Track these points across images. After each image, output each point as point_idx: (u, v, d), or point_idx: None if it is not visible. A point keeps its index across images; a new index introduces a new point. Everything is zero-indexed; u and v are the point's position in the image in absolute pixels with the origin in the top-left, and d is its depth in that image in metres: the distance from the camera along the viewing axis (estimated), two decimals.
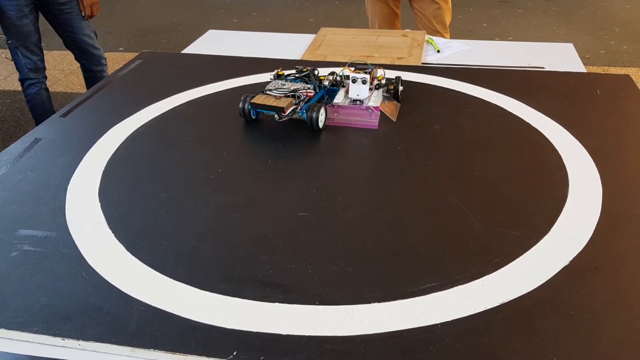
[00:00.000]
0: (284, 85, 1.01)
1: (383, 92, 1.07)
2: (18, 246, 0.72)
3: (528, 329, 0.58)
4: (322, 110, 0.98)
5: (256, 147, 0.95)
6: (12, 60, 2.15)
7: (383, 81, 1.06)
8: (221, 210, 0.78)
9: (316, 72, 1.07)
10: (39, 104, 2.25)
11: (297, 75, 1.05)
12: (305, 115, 0.98)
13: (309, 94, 1.00)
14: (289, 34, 1.57)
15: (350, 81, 1.02)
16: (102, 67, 2.34)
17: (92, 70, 2.33)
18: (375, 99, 1.03)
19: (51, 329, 0.59)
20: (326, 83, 1.05)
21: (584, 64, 1.32)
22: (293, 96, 0.99)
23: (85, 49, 2.26)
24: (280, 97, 0.99)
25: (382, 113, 1.01)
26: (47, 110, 2.27)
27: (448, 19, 2.07)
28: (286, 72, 1.07)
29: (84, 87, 2.69)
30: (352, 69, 1.04)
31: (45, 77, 2.26)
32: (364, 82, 1.00)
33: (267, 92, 1.00)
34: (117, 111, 1.08)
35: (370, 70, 1.03)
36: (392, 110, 1.03)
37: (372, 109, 1.00)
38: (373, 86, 1.04)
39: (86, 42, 2.24)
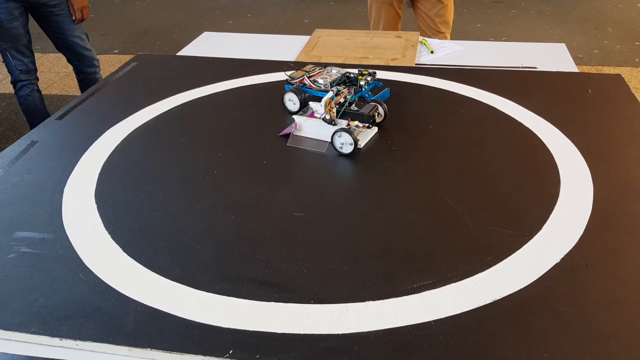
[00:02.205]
0: (329, 74, 1.05)
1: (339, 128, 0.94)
2: (15, 248, 0.73)
3: (520, 326, 0.59)
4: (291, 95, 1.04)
5: (251, 148, 0.96)
6: (2, 63, 2.16)
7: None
8: (217, 210, 0.79)
9: (357, 83, 1.03)
10: (31, 106, 2.25)
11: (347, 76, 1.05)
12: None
13: (300, 82, 1.05)
14: (284, 36, 1.58)
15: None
16: (95, 69, 2.34)
17: (85, 72, 2.33)
18: (312, 124, 0.96)
19: (49, 329, 0.60)
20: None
21: (578, 63, 1.33)
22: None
23: (77, 51, 2.26)
24: (297, 72, 1.07)
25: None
26: (40, 112, 2.27)
27: (451, 18, 2.08)
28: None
29: (79, 90, 2.69)
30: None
31: (37, 79, 2.26)
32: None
33: (314, 69, 1.07)
34: (112, 113, 1.08)
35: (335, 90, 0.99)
36: (307, 143, 0.96)
37: (293, 125, 0.98)
38: (329, 109, 0.94)
39: (77, 44, 2.24)
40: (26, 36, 2.14)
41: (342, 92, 0.97)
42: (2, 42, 2.08)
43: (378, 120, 1.00)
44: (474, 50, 1.43)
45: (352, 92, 1.00)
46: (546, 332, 0.58)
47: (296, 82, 1.05)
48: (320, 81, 1.02)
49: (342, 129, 0.92)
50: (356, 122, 0.95)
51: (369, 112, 0.95)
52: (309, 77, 1.04)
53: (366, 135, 0.97)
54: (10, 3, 2.03)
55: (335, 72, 1.05)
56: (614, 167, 0.86)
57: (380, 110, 1.00)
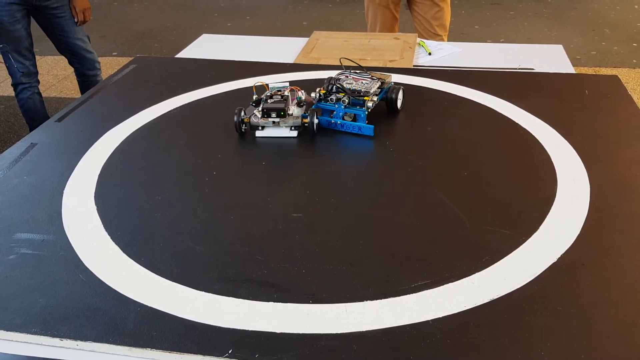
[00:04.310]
0: (352, 81, 1.05)
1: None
2: (15, 249, 0.73)
3: (517, 325, 0.59)
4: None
5: (250, 149, 0.96)
6: (5, 65, 2.16)
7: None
8: (215, 211, 0.80)
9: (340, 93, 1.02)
10: (31, 109, 2.26)
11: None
12: None
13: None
14: (283, 38, 1.59)
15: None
16: (96, 72, 2.34)
17: (86, 75, 2.33)
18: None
19: (49, 329, 0.60)
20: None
21: (575, 65, 1.34)
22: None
23: (79, 53, 2.27)
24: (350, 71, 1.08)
25: None
26: (40, 114, 2.28)
27: (448, 21, 2.08)
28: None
29: (77, 92, 2.69)
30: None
31: (38, 82, 2.26)
32: None
33: (359, 74, 1.07)
34: (112, 115, 1.09)
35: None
36: None
37: None
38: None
39: (79, 46, 2.25)
40: (28, 39, 2.14)
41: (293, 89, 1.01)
42: (4, 45, 2.08)
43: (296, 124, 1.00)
44: (472, 51, 1.43)
45: (302, 94, 1.01)
46: (543, 331, 0.59)
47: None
48: (344, 83, 1.04)
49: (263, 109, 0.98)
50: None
51: (267, 105, 0.97)
52: (341, 76, 1.05)
53: (271, 130, 1.00)
54: (12, 5, 2.03)
55: (355, 82, 1.04)
56: (611, 168, 0.87)
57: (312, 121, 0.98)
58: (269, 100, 0.99)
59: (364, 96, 1.00)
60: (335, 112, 1.01)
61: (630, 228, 0.74)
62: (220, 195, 0.83)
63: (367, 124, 0.98)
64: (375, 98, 1.01)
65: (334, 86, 1.03)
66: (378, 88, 1.03)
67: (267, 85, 1.02)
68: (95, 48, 2.35)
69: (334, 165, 0.91)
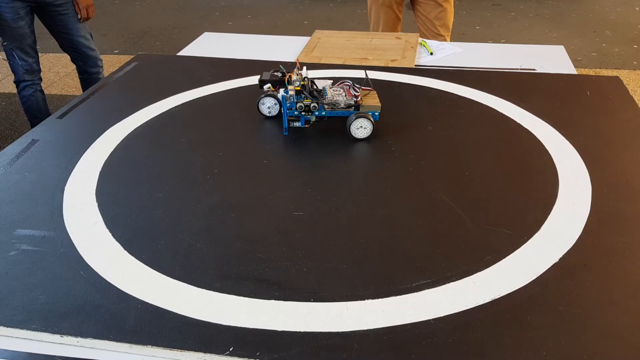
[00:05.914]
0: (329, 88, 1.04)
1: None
2: (16, 245, 0.73)
3: (518, 325, 0.59)
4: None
5: (251, 148, 0.96)
6: (8, 62, 2.16)
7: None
8: (217, 209, 0.79)
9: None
10: (34, 106, 2.26)
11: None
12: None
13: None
14: (284, 37, 1.59)
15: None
16: (98, 69, 2.34)
17: (88, 72, 2.33)
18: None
19: (50, 326, 0.60)
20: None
21: (576, 66, 1.34)
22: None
23: (82, 51, 2.26)
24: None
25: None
26: (42, 112, 2.28)
27: (451, 21, 2.08)
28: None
29: (78, 89, 2.70)
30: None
31: (40, 79, 2.26)
32: None
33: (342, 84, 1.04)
34: (113, 113, 1.09)
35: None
36: None
37: None
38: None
39: (82, 44, 2.25)
40: (31, 36, 2.14)
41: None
42: (9, 42, 2.08)
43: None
44: (473, 52, 1.43)
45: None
46: (544, 331, 0.58)
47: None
48: (333, 87, 1.03)
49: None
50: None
51: (265, 74, 1.07)
52: (346, 82, 1.04)
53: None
54: (16, 2, 2.03)
55: (325, 87, 1.04)
56: (612, 168, 0.87)
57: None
58: (274, 74, 1.06)
59: (305, 98, 0.98)
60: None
61: (632, 229, 0.74)
62: (222, 193, 0.83)
63: (307, 126, 1.00)
64: (313, 105, 0.97)
65: (310, 82, 1.01)
66: (344, 105, 0.99)
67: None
68: (97, 46, 2.35)
69: (335, 164, 0.91)
